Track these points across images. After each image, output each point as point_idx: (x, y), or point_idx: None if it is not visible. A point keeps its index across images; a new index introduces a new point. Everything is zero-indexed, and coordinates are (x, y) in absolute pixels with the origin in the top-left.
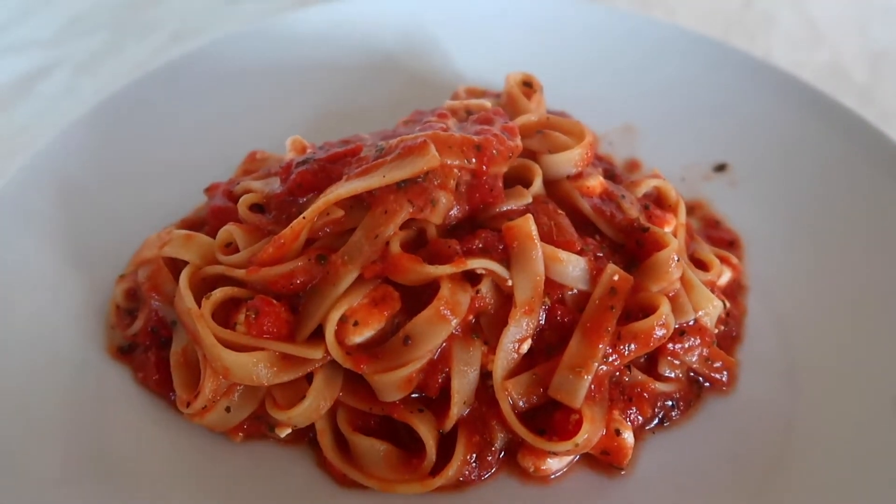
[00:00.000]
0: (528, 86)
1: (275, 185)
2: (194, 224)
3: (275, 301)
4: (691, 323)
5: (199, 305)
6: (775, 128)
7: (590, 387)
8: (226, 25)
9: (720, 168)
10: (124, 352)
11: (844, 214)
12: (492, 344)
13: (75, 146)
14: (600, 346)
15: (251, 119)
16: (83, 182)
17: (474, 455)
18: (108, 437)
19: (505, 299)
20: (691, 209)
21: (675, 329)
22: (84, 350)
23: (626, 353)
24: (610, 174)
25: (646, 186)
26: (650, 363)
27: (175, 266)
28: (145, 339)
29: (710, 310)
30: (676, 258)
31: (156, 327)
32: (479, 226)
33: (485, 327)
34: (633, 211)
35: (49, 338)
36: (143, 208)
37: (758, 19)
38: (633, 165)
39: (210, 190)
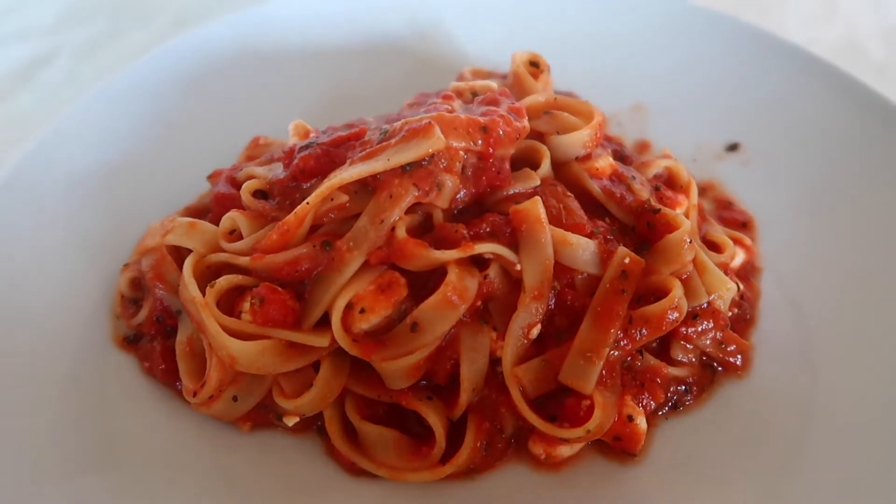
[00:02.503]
0: (535, 66)
1: (278, 171)
2: (198, 211)
3: (280, 289)
4: (704, 306)
5: (204, 294)
6: (789, 105)
7: (601, 372)
8: (227, 10)
9: (732, 148)
10: (130, 342)
11: (860, 193)
12: (501, 330)
13: (76, 134)
14: (612, 330)
15: (254, 104)
16: (85, 171)
17: (484, 442)
18: (114, 428)
19: (514, 284)
20: (703, 190)
21: (688, 312)
22: (89, 340)
23: (638, 337)
24: (619, 155)
25: (656, 167)
26: (662, 347)
27: (179, 254)
28: (150, 329)
29: (724, 292)
30: (689, 240)
31: (161, 316)
32: (486, 209)
33: (493, 313)
34: (644, 192)
35: (54, 328)
36: (147, 196)
37: None
38: (643, 146)
39: (213, 177)
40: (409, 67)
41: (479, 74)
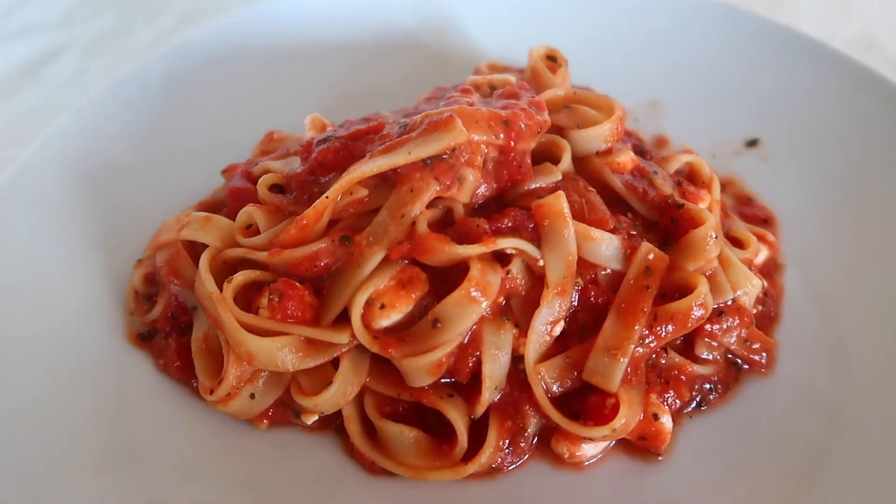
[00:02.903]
0: (553, 60)
1: (295, 165)
2: (212, 206)
3: (298, 284)
4: (730, 303)
5: (221, 289)
6: (808, 99)
7: (626, 370)
8: (235, 5)
9: (752, 143)
10: (144, 338)
11: (882, 187)
12: (523, 326)
13: (88, 129)
14: (636, 327)
15: (267, 99)
16: (98, 166)
17: (507, 441)
18: (129, 426)
19: (536, 280)
20: (723, 186)
21: (713, 309)
22: (103, 337)
23: (664, 334)
24: (639, 150)
25: (677, 162)
26: (687, 345)
27: (194, 249)
28: (165, 325)
29: (749, 289)
30: (714, 235)
31: (176, 312)
32: (507, 204)
33: (515, 309)
34: (667, 187)
35: (67, 325)
36: (160, 191)
37: None
38: (660, 142)
39: (228, 171)
40: (424, 62)
41: (495, 69)
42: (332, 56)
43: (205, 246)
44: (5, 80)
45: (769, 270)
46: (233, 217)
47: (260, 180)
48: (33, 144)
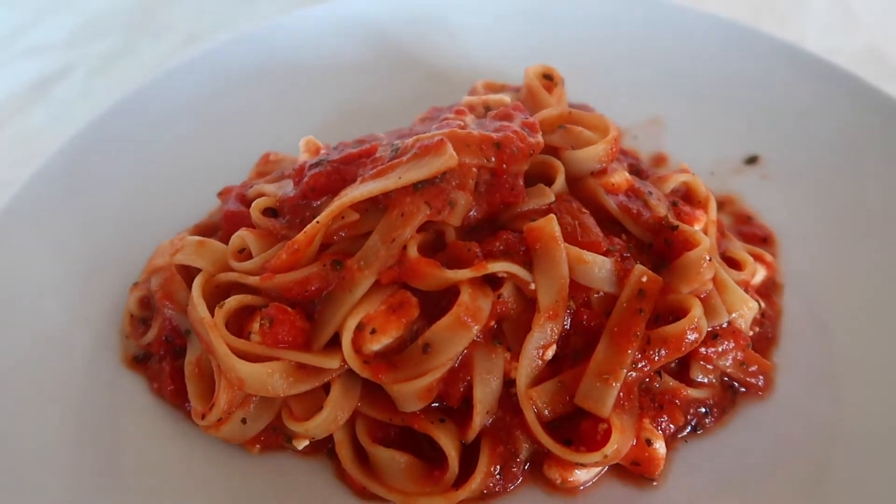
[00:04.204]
0: (549, 79)
1: (288, 189)
2: (208, 229)
3: (289, 309)
4: (725, 326)
5: (213, 314)
6: (809, 117)
7: (618, 394)
8: (238, 27)
9: (751, 161)
10: (139, 361)
11: (883, 206)
12: (515, 350)
13: (87, 152)
14: (629, 351)
15: (265, 120)
16: (97, 188)
17: (498, 466)
18: (122, 450)
19: (528, 304)
20: (722, 204)
21: (707, 332)
22: (98, 360)
23: (657, 358)
24: (635, 170)
25: (673, 182)
26: (681, 368)
27: (188, 273)
28: (159, 349)
29: (745, 311)
30: (708, 258)
31: (170, 336)
32: (499, 227)
33: (507, 333)
34: (661, 208)
35: (62, 347)
36: (157, 213)
37: (788, 4)
38: (659, 160)
39: (223, 194)
40: (422, 81)
41: (491, 88)
42: (331, 76)
43: (199, 270)
44: (14, 99)
45: (767, 291)
46: (228, 240)
47: (253, 204)
48: (33, 166)
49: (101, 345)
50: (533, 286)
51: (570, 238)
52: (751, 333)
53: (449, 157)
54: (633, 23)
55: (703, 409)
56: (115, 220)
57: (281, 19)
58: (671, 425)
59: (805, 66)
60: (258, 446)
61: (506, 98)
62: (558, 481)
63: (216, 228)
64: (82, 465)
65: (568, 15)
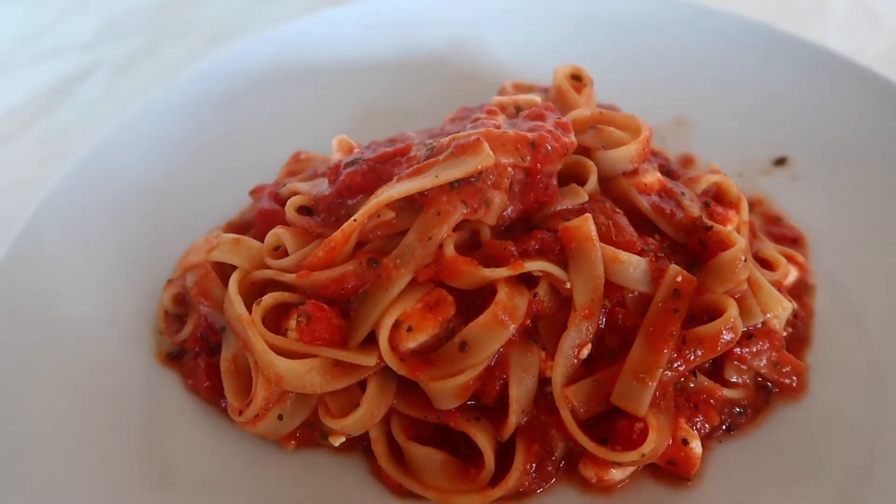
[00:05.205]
0: (578, 79)
1: (322, 187)
2: (241, 227)
3: (326, 306)
4: (759, 326)
5: (250, 311)
6: (837, 117)
7: (654, 394)
8: (262, 26)
9: (780, 162)
10: (173, 358)
11: None
12: (550, 349)
13: (118, 151)
14: (665, 350)
15: (293, 119)
16: (128, 187)
17: (534, 465)
18: (159, 446)
19: (563, 303)
20: (751, 205)
21: (742, 333)
22: (133, 357)
23: (692, 358)
24: (666, 170)
25: (705, 182)
26: (715, 368)
27: (223, 270)
28: (194, 346)
29: (780, 312)
30: (744, 258)
31: (205, 333)
32: (533, 226)
33: (542, 332)
34: (695, 208)
35: (98, 344)
36: (188, 212)
37: (810, 6)
38: (687, 161)
39: (255, 192)
40: (448, 81)
41: (520, 88)
42: (357, 76)
43: (234, 267)
44: (39, 99)
45: (799, 292)
46: (261, 238)
47: (288, 202)
48: (64, 166)
49: (136, 341)
50: (568, 285)
51: (604, 238)
52: (784, 334)
53: (486, 156)
54: (660, 24)
55: (738, 410)
56: (146, 218)
57: (310, 18)
58: (706, 425)
59: (832, 67)
60: (294, 443)
61: (536, 98)
62: (594, 480)
63: (249, 226)
64: (118, 463)
65: (593, 15)
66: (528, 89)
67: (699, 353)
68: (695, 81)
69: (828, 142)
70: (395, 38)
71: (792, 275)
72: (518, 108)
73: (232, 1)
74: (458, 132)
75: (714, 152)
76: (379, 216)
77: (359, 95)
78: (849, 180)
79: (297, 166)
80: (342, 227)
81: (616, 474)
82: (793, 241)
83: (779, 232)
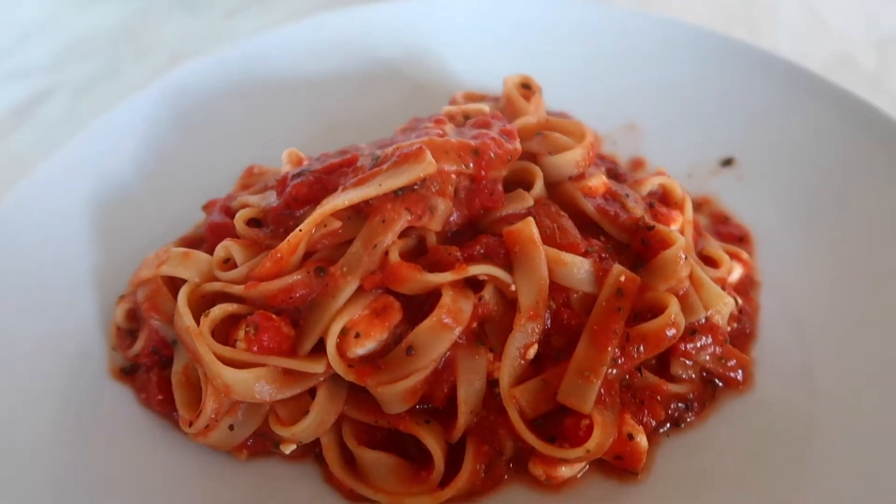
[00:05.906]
0: (527, 87)
1: (271, 199)
2: (193, 241)
3: (274, 316)
4: (702, 321)
5: (199, 323)
6: (782, 119)
7: (600, 391)
8: (221, 42)
9: (727, 162)
10: (127, 373)
11: (857, 205)
12: (497, 351)
13: (72, 168)
14: (609, 348)
15: (248, 134)
16: (81, 203)
17: (484, 465)
18: (112, 460)
19: (509, 305)
20: (699, 205)
21: (686, 328)
22: (86, 372)
23: (636, 355)
24: (613, 174)
25: (650, 184)
26: (662, 364)
27: (174, 285)
28: (147, 360)
29: (722, 307)
30: (684, 256)
31: (157, 347)
32: (480, 231)
33: (490, 334)
34: (638, 210)
35: (50, 361)
36: (143, 228)
37: (760, 13)
38: (637, 164)
39: (208, 206)
40: (403, 93)
41: (471, 98)
42: (313, 90)
43: (184, 281)
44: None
45: (745, 288)
46: (212, 251)
47: (237, 215)
48: (18, 184)
49: (89, 357)
50: (513, 288)
51: (549, 240)
52: (729, 329)
53: (428, 164)
54: (610, 32)
55: (684, 404)
56: (100, 234)
57: (264, 35)
58: (652, 420)
59: (777, 71)
60: (246, 452)
61: (484, 107)
62: (543, 478)
63: (201, 241)
64: (70, 476)
65: (547, 26)
66: (480, 99)
67: (643, 349)
68: (645, 88)
69: (773, 143)
70: (350, 52)
71: (737, 272)
72: (467, 117)
73: (194, 22)
74: (405, 142)
75: (664, 155)
76: (325, 226)
77: (315, 110)
78: (792, 180)
79: (251, 180)
80: (288, 238)
81: (565, 471)
82: (739, 239)
83: (726, 230)
